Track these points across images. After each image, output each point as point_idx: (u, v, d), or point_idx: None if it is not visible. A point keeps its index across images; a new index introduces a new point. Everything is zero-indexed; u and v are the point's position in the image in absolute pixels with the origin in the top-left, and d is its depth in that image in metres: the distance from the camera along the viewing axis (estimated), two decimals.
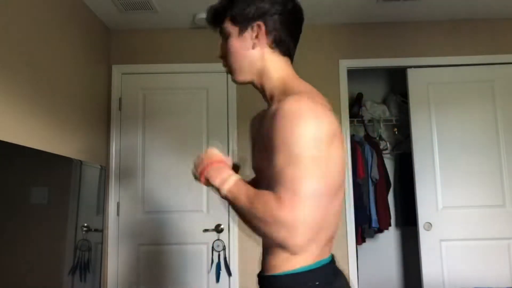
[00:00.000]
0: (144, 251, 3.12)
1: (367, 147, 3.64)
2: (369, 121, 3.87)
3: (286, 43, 1.13)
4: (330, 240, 1.08)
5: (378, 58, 3.26)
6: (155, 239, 3.12)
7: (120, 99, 3.26)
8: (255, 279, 2.12)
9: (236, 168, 1.26)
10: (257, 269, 1.15)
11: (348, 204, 3.12)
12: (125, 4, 2.90)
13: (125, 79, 3.29)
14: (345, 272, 3.55)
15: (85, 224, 2.34)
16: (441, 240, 3.08)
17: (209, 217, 3.12)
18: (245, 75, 1.15)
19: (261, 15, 1.10)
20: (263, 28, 1.10)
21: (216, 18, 1.16)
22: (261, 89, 1.16)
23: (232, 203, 1.02)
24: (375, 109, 3.86)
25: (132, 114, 3.24)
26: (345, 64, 3.25)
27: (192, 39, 3.30)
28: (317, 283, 1.00)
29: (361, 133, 3.88)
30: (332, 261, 1.09)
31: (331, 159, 0.97)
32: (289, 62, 1.15)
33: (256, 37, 1.11)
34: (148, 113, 3.25)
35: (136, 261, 3.11)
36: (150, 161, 3.19)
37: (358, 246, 3.61)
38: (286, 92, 1.06)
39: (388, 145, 3.93)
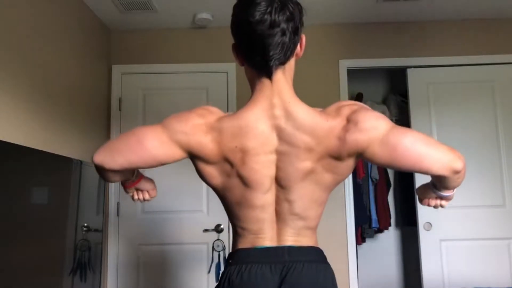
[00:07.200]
0: (144, 251, 3.12)
1: None
2: None
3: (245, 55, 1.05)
4: None
5: (378, 58, 3.25)
6: (155, 239, 3.12)
7: (120, 99, 3.26)
8: None
9: None
10: None
11: (348, 204, 3.11)
12: (125, 4, 2.90)
13: (125, 79, 3.28)
14: (345, 272, 3.53)
15: (85, 224, 2.34)
16: (441, 240, 3.07)
17: (209, 217, 3.12)
18: None
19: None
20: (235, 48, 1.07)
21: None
22: None
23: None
24: (375, 109, 3.84)
25: (132, 114, 3.24)
26: (345, 64, 3.25)
27: (192, 39, 3.30)
28: None
29: None
30: None
31: None
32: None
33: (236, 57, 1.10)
34: (148, 113, 3.24)
35: (136, 261, 3.11)
36: None
37: (358, 246, 3.61)
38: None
39: None
